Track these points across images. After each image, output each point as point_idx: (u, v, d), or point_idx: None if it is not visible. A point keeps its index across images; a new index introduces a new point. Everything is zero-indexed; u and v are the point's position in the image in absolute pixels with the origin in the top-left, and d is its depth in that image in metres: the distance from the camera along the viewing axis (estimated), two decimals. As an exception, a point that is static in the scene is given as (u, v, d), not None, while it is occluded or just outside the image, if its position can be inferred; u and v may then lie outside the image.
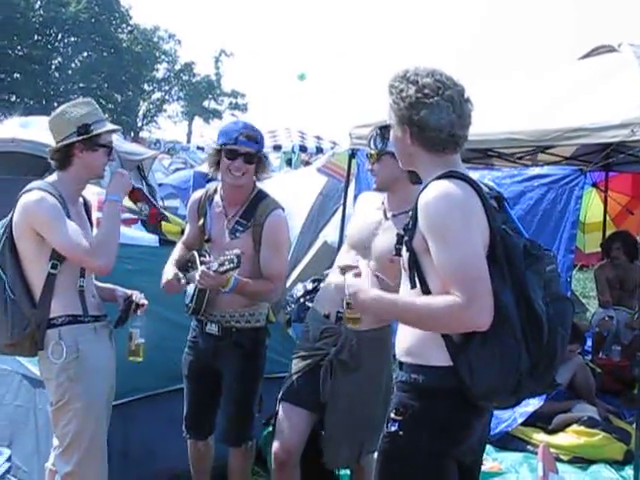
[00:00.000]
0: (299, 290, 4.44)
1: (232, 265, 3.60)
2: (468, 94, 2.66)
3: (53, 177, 3.60)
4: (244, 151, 3.85)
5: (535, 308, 2.49)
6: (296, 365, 3.84)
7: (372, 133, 3.56)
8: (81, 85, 50.81)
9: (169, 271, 4.03)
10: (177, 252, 4.20)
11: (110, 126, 3.64)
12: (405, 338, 2.68)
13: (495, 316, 2.42)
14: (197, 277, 3.78)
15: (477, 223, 2.50)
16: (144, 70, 53.80)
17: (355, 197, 7.63)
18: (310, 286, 4.21)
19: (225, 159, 3.88)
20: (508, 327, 2.45)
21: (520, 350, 2.46)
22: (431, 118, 2.59)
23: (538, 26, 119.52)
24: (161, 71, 57.84)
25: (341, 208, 8.22)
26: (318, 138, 23.92)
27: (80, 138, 3.50)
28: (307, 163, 18.79)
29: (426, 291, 2.56)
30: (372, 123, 7.67)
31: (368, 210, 3.83)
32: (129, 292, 3.78)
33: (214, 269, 3.67)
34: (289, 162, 21.38)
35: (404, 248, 2.65)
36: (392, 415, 2.61)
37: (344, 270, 3.13)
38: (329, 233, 9.49)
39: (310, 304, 4.13)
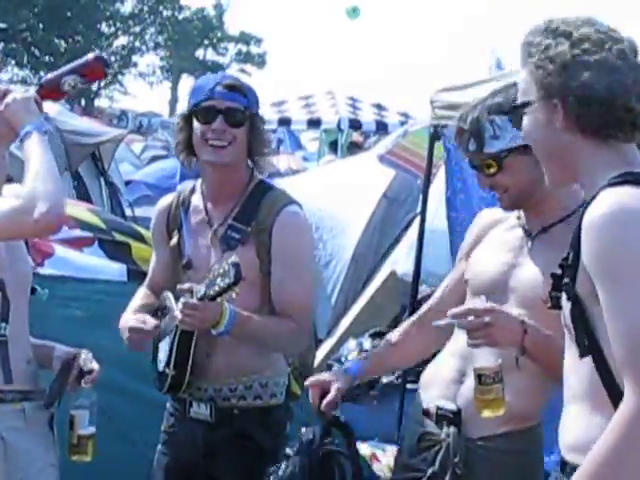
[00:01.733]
0: (351, 350, 4.46)
1: (228, 281, 3.50)
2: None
3: None
4: (225, 106, 3.88)
5: None
6: None
7: (476, 124, 3.57)
8: (1, 26, 51.23)
9: (130, 316, 4.02)
10: (138, 301, 4.18)
11: None
12: (575, 426, 2.65)
13: None
14: (177, 313, 3.73)
15: None
16: (101, 2, 54.21)
17: (448, 200, 7.64)
18: (368, 344, 4.21)
19: (199, 124, 3.90)
20: None
21: None
22: (598, 83, 2.52)
23: None
24: (129, 3, 58.24)
25: (418, 219, 8.24)
26: (379, 108, 24.06)
27: None
28: (359, 146, 18.80)
29: (599, 360, 2.49)
30: (464, 85, 7.74)
31: (498, 233, 3.80)
32: (72, 351, 3.78)
33: (200, 295, 3.64)
34: (334, 146, 21.45)
35: (564, 296, 2.60)
36: None
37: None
38: (399, 259, 9.51)
39: (411, 386, 4.12)
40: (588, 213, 2.45)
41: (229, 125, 3.86)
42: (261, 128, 4.02)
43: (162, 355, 3.97)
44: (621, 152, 2.60)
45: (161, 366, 3.97)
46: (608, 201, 2.43)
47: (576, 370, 2.60)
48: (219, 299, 3.58)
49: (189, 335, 3.85)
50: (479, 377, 2.93)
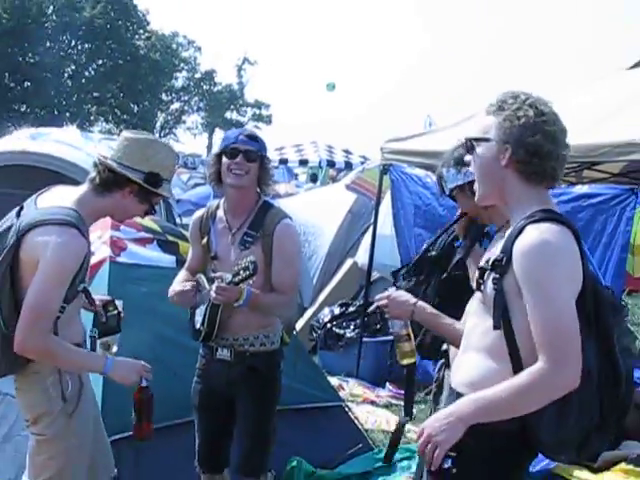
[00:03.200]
0: (326, 315, 4.44)
1: (248, 273, 3.64)
2: None
3: (79, 193, 3.36)
4: (244, 148, 3.91)
5: (619, 364, 2.53)
6: None
7: (446, 168, 3.61)
8: (95, 95, 50.89)
9: (175, 285, 4.08)
10: (180, 278, 4.18)
11: (166, 192, 3.46)
12: (466, 368, 2.69)
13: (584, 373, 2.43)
14: (212, 293, 3.78)
15: (574, 276, 2.51)
16: (162, 79, 53.86)
17: (394, 215, 7.64)
18: (337, 311, 4.20)
19: (226, 160, 3.93)
20: (589, 383, 2.47)
21: (595, 405, 2.50)
22: (543, 146, 2.57)
23: (583, 35, 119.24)
24: (180, 80, 57.95)
25: (371, 227, 8.25)
26: (347, 152, 23.97)
27: (142, 183, 3.34)
28: (334, 179, 18.78)
29: (508, 332, 2.55)
30: (405, 137, 7.73)
31: None
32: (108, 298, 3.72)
33: (229, 280, 3.73)
34: (314, 178, 21.45)
35: (490, 284, 2.62)
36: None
37: None
38: (359, 254, 9.56)
39: (337, 330, 4.11)
40: (520, 241, 2.51)
41: (246, 160, 3.91)
42: (268, 165, 4.06)
43: (198, 318, 4.00)
44: (540, 193, 2.64)
45: (198, 325, 4.00)
46: (534, 234, 2.48)
47: (481, 331, 2.65)
48: (241, 285, 3.69)
49: (217, 306, 3.90)
50: (395, 338, 2.95)
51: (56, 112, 47.31)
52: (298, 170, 24.99)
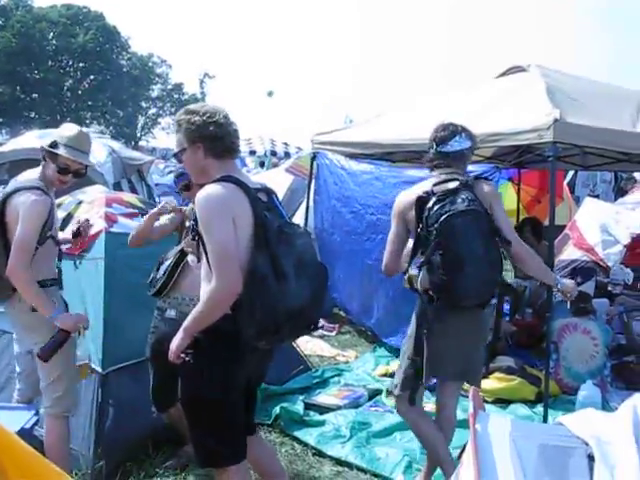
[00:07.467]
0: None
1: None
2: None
3: (39, 169, 3.58)
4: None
5: (283, 270, 2.60)
6: None
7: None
8: (89, 103, 50.32)
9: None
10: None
11: (72, 157, 3.53)
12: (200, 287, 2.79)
13: (254, 279, 2.55)
14: (183, 244, 3.76)
15: (236, 213, 2.61)
16: (141, 90, 53.19)
17: (315, 191, 7.61)
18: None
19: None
20: (265, 286, 2.56)
21: (277, 302, 2.58)
22: (218, 133, 2.79)
23: (465, 46, 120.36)
24: (155, 91, 57.09)
25: (305, 201, 8.20)
26: (286, 144, 23.76)
27: (45, 147, 3.54)
28: (276, 165, 18.65)
29: (208, 262, 2.66)
30: (330, 130, 7.68)
31: None
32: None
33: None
34: (262, 164, 21.23)
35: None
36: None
37: None
38: (295, 221, 9.48)
39: None
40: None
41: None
42: None
43: (162, 269, 3.85)
44: (227, 164, 2.80)
45: (158, 275, 3.85)
46: (202, 191, 2.63)
47: (202, 266, 2.76)
48: None
49: (179, 264, 3.78)
50: None
51: (58, 117, 46.48)
52: (248, 159, 24.73)
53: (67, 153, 3.51)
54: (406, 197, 3.60)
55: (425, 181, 3.59)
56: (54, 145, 3.52)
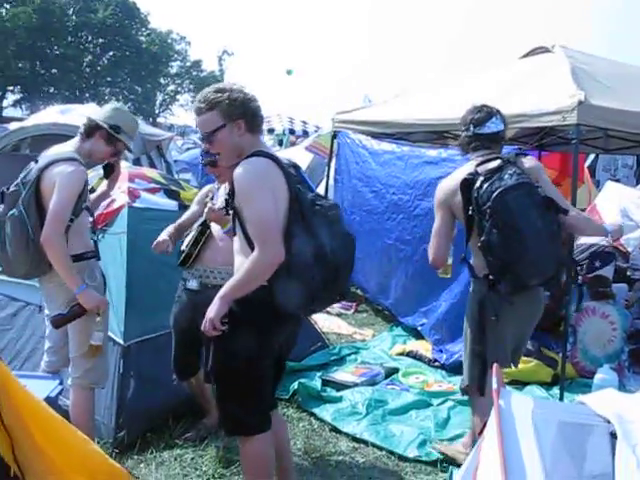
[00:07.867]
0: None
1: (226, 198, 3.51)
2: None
3: (73, 142, 3.62)
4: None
5: (320, 241, 2.66)
6: None
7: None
8: (108, 79, 50.24)
9: (164, 234, 3.93)
10: (165, 231, 4.00)
11: (125, 139, 3.64)
12: (237, 261, 2.80)
13: (292, 250, 2.60)
14: (205, 210, 3.76)
15: (274, 185, 2.65)
16: (160, 67, 52.87)
17: (336, 171, 7.61)
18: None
19: None
20: (303, 260, 2.61)
21: (313, 274, 2.62)
22: (255, 109, 2.86)
23: (488, 26, 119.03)
24: (174, 67, 56.63)
25: (324, 179, 8.21)
26: (304, 123, 23.65)
27: (107, 129, 3.57)
28: (294, 144, 18.63)
29: (247, 236, 2.68)
30: (350, 110, 7.66)
31: None
32: None
33: (218, 207, 3.69)
34: (280, 142, 21.20)
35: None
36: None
37: None
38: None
39: None
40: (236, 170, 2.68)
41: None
42: None
43: (187, 240, 3.88)
44: (258, 140, 2.86)
45: (183, 246, 3.88)
46: (242, 164, 2.68)
47: (236, 240, 2.79)
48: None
49: (204, 233, 3.82)
50: None
51: (78, 93, 46.58)
52: (266, 137, 24.69)
53: (128, 140, 3.65)
54: (448, 183, 3.54)
55: (463, 166, 3.57)
56: (117, 130, 3.58)
